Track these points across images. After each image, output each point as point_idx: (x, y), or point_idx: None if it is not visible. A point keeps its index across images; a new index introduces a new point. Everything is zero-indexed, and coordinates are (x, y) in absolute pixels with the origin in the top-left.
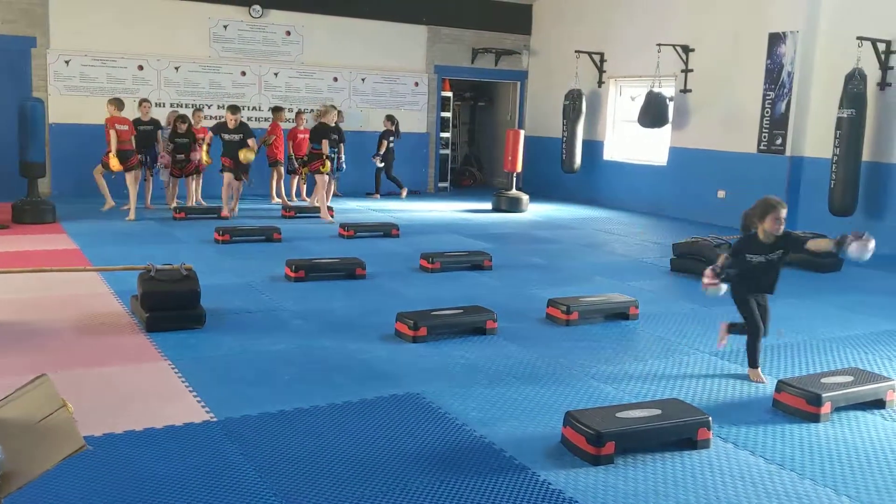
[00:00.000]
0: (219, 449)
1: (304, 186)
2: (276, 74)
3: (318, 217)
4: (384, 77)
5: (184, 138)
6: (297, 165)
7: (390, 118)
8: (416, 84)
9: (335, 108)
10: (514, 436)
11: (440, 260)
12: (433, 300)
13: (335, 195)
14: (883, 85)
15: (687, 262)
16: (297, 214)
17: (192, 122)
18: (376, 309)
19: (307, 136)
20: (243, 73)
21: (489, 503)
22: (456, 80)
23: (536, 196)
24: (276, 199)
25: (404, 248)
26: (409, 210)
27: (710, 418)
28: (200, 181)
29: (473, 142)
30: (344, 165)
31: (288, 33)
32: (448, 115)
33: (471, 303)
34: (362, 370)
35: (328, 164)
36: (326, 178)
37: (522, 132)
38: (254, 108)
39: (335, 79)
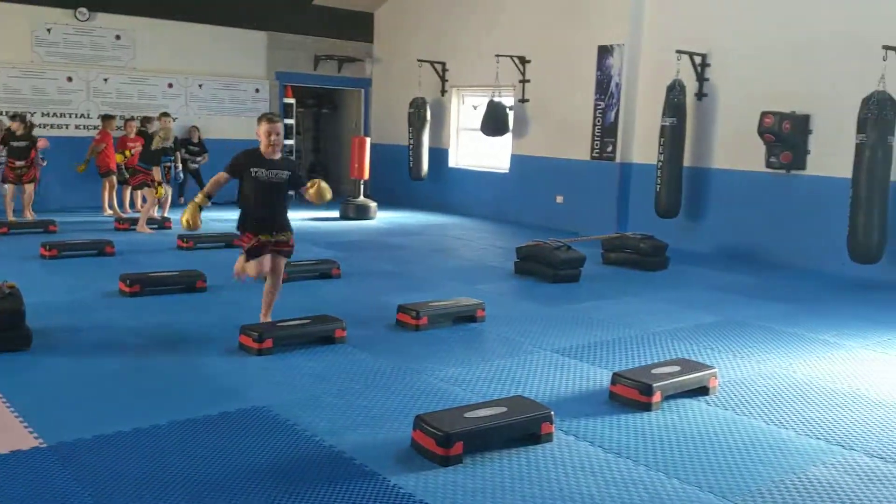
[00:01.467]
0: (50, 477)
1: (139, 197)
2: (105, 80)
3: (162, 228)
4: (223, 83)
5: (21, 141)
6: (127, 176)
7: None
8: (257, 90)
9: (168, 115)
10: (365, 443)
11: (286, 270)
12: (279, 311)
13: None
14: (700, 95)
15: (529, 264)
16: (132, 226)
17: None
18: (219, 322)
19: (138, 144)
20: (70, 79)
21: None
22: (298, 86)
23: (385, 203)
24: (109, 212)
25: None
26: None
27: (553, 412)
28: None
29: (319, 149)
30: (181, 175)
31: (118, 37)
32: (291, 122)
33: (319, 312)
34: (206, 386)
35: (157, 175)
36: (156, 191)
37: (369, 139)
38: (82, 116)
39: (170, 85)
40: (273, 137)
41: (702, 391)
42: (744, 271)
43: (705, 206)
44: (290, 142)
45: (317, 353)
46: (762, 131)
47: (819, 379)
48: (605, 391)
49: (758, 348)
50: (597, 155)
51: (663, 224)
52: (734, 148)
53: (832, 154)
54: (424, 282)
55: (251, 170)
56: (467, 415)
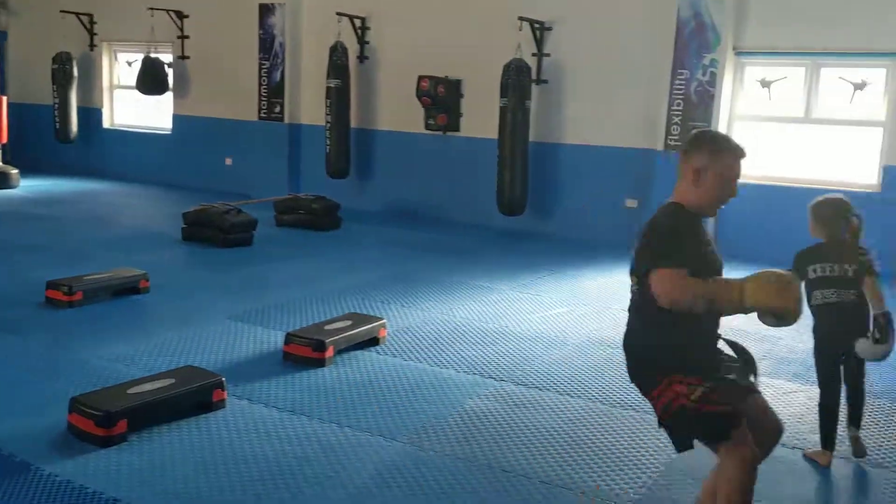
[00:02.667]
0: None
1: None
2: None
3: None
4: None
5: None
6: None
7: None
8: None
9: None
10: (16, 434)
11: None
12: None
13: None
14: (362, 58)
15: (198, 230)
16: None
17: None
18: None
19: None
20: None
21: None
22: None
23: (28, 170)
24: None
25: None
26: None
27: (224, 379)
28: None
29: None
30: None
31: None
32: None
33: None
34: None
35: None
36: None
37: (5, 98)
38: None
39: None
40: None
41: (372, 342)
42: (410, 227)
43: (373, 167)
44: None
45: None
46: (420, 94)
47: (475, 321)
48: (280, 352)
49: (423, 297)
50: (265, 115)
51: (335, 184)
52: (396, 110)
53: (481, 116)
54: (79, 255)
55: None
56: (130, 391)
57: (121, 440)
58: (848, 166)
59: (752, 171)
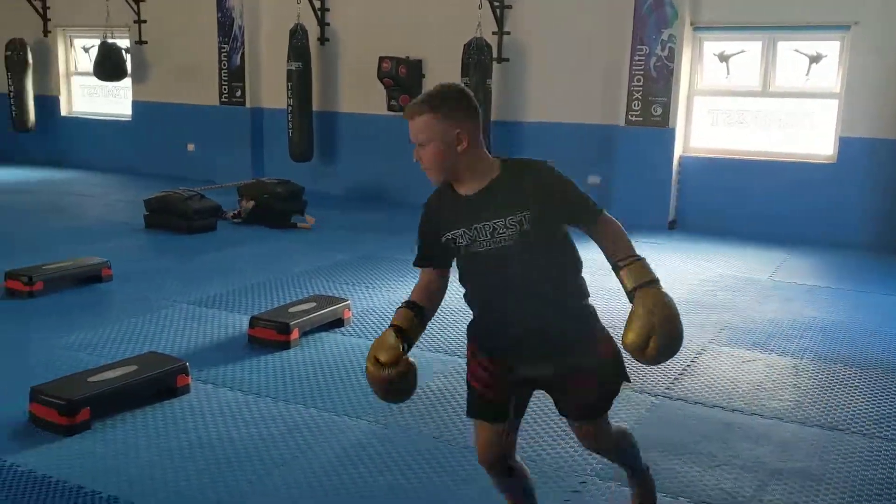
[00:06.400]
0: None
1: None
2: None
3: None
4: None
5: None
6: None
7: None
8: None
9: None
10: None
11: None
12: None
13: None
14: (322, 40)
15: (160, 217)
16: None
17: None
18: None
19: None
20: None
21: None
22: None
23: None
24: None
25: None
26: None
27: (188, 364)
28: None
29: None
30: None
31: None
32: None
33: None
34: None
35: None
36: None
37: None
38: None
39: None
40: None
41: (337, 323)
42: (374, 209)
43: (337, 150)
44: None
45: None
46: (381, 76)
47: None
48: (245, 336)
49: (387, 279)
50: (226, 100)
51: (299, 168)
52: (358, 92)
53: None
54: (37, 246)
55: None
56: (91, 378)
57: (84, 428)
58: (805, 138)
59: (712, 144)
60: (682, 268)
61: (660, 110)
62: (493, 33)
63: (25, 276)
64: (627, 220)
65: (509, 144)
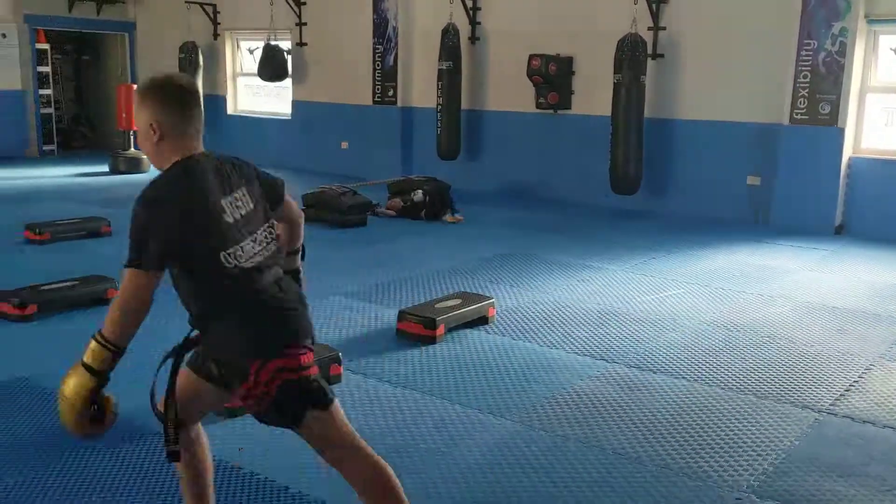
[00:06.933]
0: None
1: None
2: None
3: None
4: None
5: None
6: None
7: None
8: (4, 35)
9: None
10: None
11: (49, 230)
12: (45, 274)
13: None
14: (473, 39)
15: (316, 211)
16: None
17: None
18: None
19: None
20: None
21: None
22: (52, 31)
23: None
24: None
25: (4, 220)
26: (5, 178)
27: (340, 354)
28: None
29: (81, 99)
30: None
31: None
32: (47, 69)
33: (90, 273)
34: None
35: None
36: None
37: (136, 87)
38: None
39: None
40: None
41: (482, 321)
42: (520, 207)
43: (483, 147)
44: (48, 91)
45: (88, 316)
46: (531, 73)
47: (584, 301)
48: (393, 329)
49: (532, 277)
50: (378, 100)
51: (446, 166)
52: (507, 90)
53: (594, 93)
54: None
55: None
56: None
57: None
58: None
59: (887, 145)
60: (850, 276)
61: (828, 108)
62: (648, 29)
63: None
64: (789, 222)
65: (662, 143)
